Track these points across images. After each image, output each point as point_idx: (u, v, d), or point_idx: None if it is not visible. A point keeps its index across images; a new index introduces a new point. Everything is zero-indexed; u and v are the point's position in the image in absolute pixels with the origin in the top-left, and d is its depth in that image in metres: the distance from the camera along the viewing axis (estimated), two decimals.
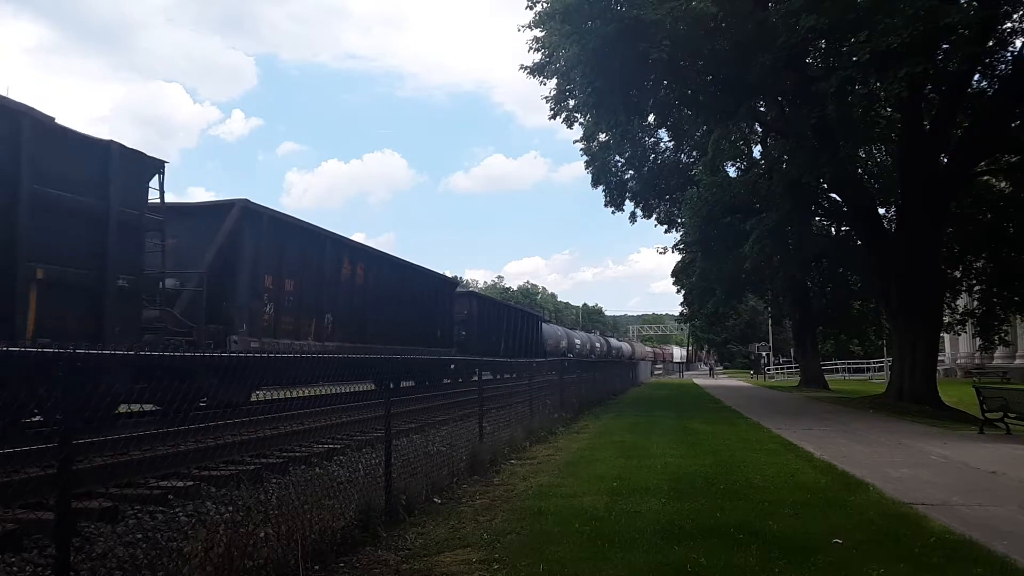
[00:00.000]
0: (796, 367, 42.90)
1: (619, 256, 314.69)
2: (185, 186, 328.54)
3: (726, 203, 24.21)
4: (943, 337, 37.85)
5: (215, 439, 9.25)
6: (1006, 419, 13.07)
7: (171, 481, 7.00)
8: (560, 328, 53.59)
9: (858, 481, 7.72)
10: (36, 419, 9.47)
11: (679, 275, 41.56)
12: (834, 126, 16.89)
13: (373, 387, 9.00)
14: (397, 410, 9.13)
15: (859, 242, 25.83)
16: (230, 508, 5.62)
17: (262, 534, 4.39)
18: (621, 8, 17.05)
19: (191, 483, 6.93)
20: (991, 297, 24.54)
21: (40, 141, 9.19)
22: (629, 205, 31.65)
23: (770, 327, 61.55)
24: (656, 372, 63.06)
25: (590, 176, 30.36)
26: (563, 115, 22.79)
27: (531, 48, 20.53)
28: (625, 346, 77.47)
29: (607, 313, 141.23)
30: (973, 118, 20.24)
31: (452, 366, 23.55)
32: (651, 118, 24.57)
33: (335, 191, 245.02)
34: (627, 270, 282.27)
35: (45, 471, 6.52)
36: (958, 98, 19.18)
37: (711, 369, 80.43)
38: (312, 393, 14.88)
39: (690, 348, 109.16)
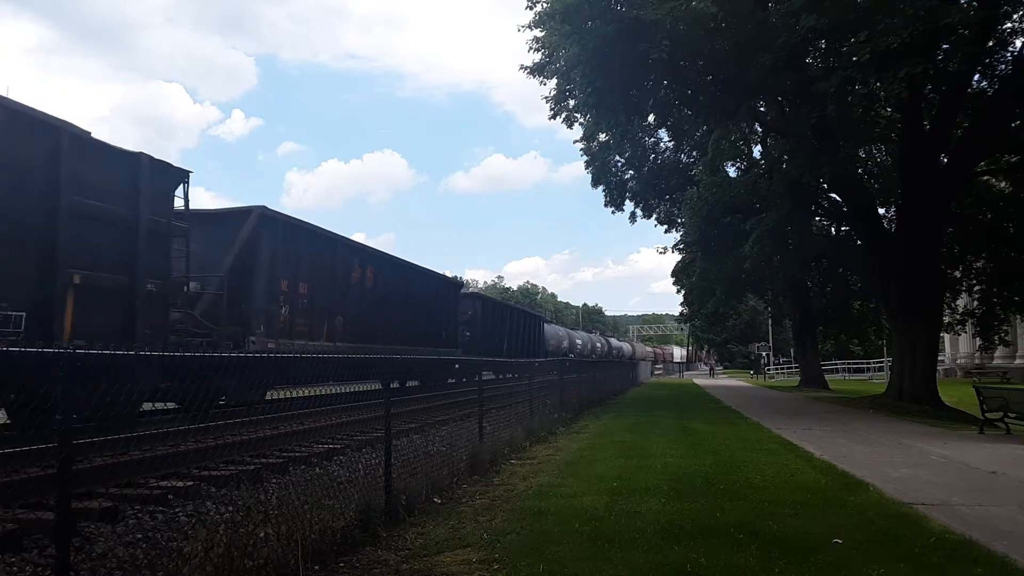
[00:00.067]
0: (796, 367, 42.90)
1: (619, 256, 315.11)
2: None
3: (726, 203, 24.21)
4: (943, 337, 37.86)
5: (215, 439, 9.26)
6: (1006, 419, 13.07)
7: (171, 481, 7.00)
8: (562, 328, 53.60)
9: (858, 481, 7.72)
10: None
11: (679, 275, 41.57)
12: (834, 126, 16.89)
13: (379, 386, 9.09)
14: (397, 410, 9.12)
15: (859, 242, 25.83)
16: (230, 508, 5.62)
17: (262, 534, 4.39)
18: (621, 8, 17.05)
19: (191, 483, 6.93)
20: (991, 297, 24.54)
21: (77, 154, 9.71)
22: (629, 205, 31.73)
23: (770, 327, 61.55)
24: (656, 372, 63.05)
25: (590, 176, 30.42)
26: (563, 115, 22.81)
27: (531, 48, 20.58)
28: (626, 346, 77.46)
29: (607, 313, 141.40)
30: (973, 118, 20.24)
31: (457, 366, 23.69)
32: (651, 118, 24.58)
33: (335, 191, 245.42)
34: (627, 270, 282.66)
35: (45, 471, 6.53)
36: (958, 98, 19.18)
37: (711, 369, 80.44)
38: (312, 393, 14.89)
39: (690, 348, 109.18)
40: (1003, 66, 19.10)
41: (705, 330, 70.51)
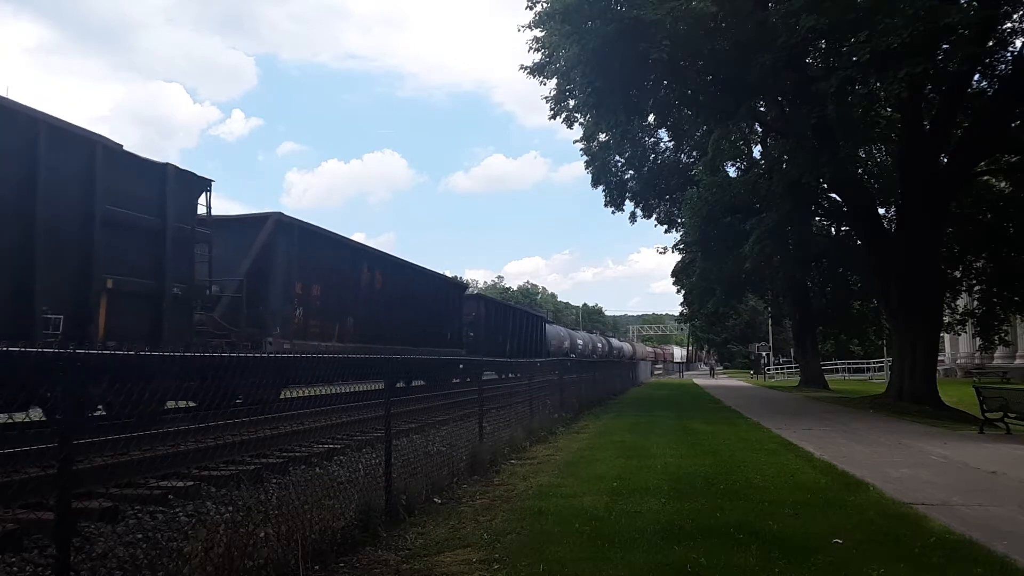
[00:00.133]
0: (796, 367, 42.91)
1: (619, 256, 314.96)
2: None
3: (726, 203, 24.20)
4: (943, 337, 37.85)
5: (215, 439, 9.27)
6: (1006, 419, 13.07)
7: (171, 481, 7.00)
8: (563, 329, 53.68)
9: (858, 481, 7.72)
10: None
11: (679, 275, 41.57)
12: (834, 126, 16.89)
13: (384, 386, 9.21)
14: (397, 410, 9.14)
15: (859, 242, 25.82)
16: (230, 508, 5.63)
17: (262, 534, 4.39)
18: (621, 8, 17.05)
19: (191, 483, 6.93)
20: (991, 297, 24.54)
21: (110, 166, 10.35)
22: (629, 205, 31.74)
23: (770, 327, 61.55)
24: (656, 372, 63.06)
25: (590, 176, 30.44)
26: (563, 115, 22.82)
27: (531, 48, 20.58)
28: (626, 346, 77.44)
29: (607, 313, 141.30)
30: (973, 118, 20.24)
31: (461, 366, 23.88)
32: (651, 118, 24.58)
33: (335, 191, 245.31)
34: (627, 270, 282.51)
35: (45, 471, 6.53)
36: (958, 98, 19.17)
37: (711, 369, 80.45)
38: (311, 393, 14.94)
39: (690, 348, 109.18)
40: (1003, 66, 19.10)
41: (705, 330, 70.48)
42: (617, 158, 30.22)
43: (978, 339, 28.56)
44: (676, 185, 30.39)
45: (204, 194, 12.51)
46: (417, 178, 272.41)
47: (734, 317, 56.73)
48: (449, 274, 35.04)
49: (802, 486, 7.40)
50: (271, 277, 14.79)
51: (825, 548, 4.97)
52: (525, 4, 19.20)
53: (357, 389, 6.70)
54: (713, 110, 21.40)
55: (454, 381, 24.55)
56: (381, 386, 6.46)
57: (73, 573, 3.72)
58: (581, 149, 30.10)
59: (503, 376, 25.65)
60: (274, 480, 7.14)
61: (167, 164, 11.60)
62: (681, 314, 49.67)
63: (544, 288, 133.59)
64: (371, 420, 10.36)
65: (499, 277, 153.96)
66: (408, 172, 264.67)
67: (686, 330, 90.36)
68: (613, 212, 31.32)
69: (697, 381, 47.05)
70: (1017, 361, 41.33)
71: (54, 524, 3.61)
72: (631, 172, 30.92)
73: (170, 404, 10.55)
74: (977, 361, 43.73)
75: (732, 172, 29.59)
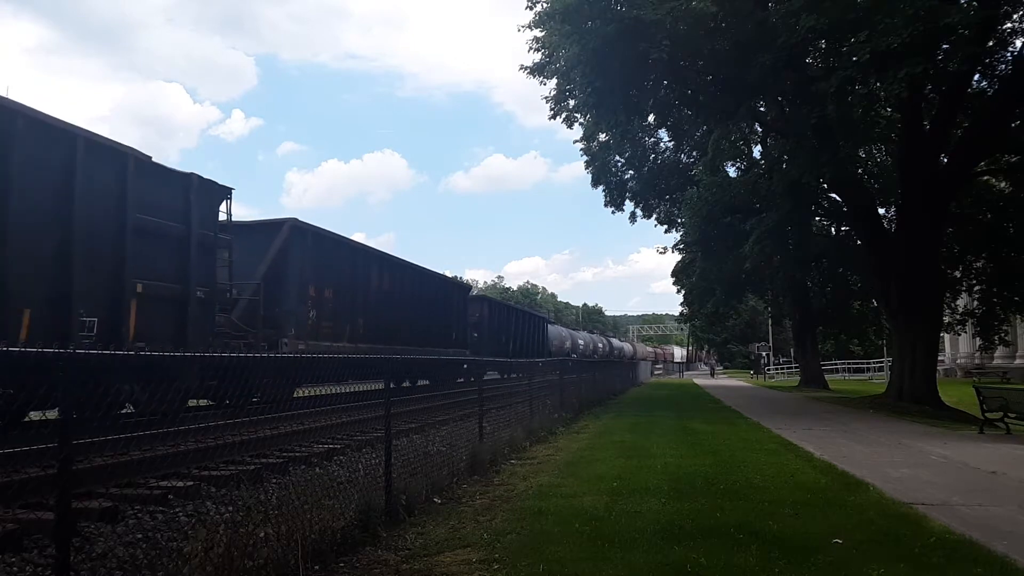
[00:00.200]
0: (796, 367, 42.89)
1: (619, 256, 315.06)
2: None
3: (726, 203, 24.19)
4: (943, 337, 37.85)
5: (215, 439, 9.26)
6: (1006, 419, 13.07)
7: (171, 481, 7.00)
8: (565, 329, 53.76)
9: (858, 481, 7.72)
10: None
11: (679, 275, 41.56)
12: (834, 126, 16.88)
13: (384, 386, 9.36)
14: (397, 410, 9.14)
15: (859, 242, 25.81)
16: (230, 508, 5.63)
17: (262, 534, 4.39)
18: (621, 8, 17.05)
19: (191, 483, 6.93)
20: (991, 297, 24.53)
21: (140, 176, 10.85)
22: (629, 205, 31.73)
23: (770, 327, 61.53)
24: (656, 372, 63.04)
25: (590, 176, 30.44)
26: (563, 115, 22.81)
27: (531, 48, 20.57)
28: (627, 347, 77.43)
29: (607, 313, 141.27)
30: (973, 118, 20.23)
31: (465, 366, 24.06)
32: (651, 118, 24.57)
33: (335, 191, 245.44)
34: (627, 270, 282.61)
35: (45, 471, 6.53)
36: (958, 98, 19.17)
37: (711, 369, 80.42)
38: (312, 393, 14.98)
39: (690, 348, 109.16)
40: (1003, 66, 19.10)
41: (705, 330, 70.47)
42: (617, 158, 30.22)
43: (978, 339, 28.55)
44: (676, 185, 30.38)
45: (224, 201, 13.06)
46: (417, 178, 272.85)
47: (734, 317, 56.71)
48: (449, 274, 35.21)
49: (802, 486, 7.40)
50: (286, 280, 15.30)
51: (825, 548, 4.97)
52: (525, 4, 19.22)
53: (359, 389, 6.72)
54: (713, 110, 21.39)
55: (458, 380, 24.88)
56: (379, 387, 6.47)
57: (73, 573, 3.73)
58: (581, 149, 30.14)
59: (505, 376, 25.78)
60: (274, 480, 7.14)
61: (192, 174, 12.09)
62: (681, 314, 49.69)
63: (544, 288, 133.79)
64: (371, 420, 10.39)
65: (499, 277, 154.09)
66: (408, 172, 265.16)
67: (686, 330, 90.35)
68: (613, 212, 31.38)
69: (697, 381, 47.04)
70: (1017, 361, 41.32)
71: (54, 524, 3.62)
72: (631, 172, 30.93)
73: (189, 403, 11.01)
74: (977, 361, 43.72)
75: (732, 172, 29.62)
